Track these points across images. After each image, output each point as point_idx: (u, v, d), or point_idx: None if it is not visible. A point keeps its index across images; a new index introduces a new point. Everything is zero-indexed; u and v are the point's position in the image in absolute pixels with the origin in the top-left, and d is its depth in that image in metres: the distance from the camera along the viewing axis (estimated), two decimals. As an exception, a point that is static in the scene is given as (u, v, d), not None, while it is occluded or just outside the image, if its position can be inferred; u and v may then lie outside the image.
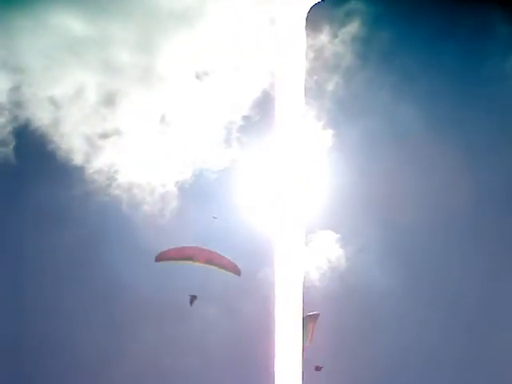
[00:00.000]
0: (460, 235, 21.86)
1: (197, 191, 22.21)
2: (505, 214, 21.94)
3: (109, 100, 22.46)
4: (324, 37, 22.88)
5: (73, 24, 22.04)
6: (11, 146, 21.83)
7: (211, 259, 18.68)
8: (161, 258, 19.20)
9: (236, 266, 19.00)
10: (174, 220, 22.04)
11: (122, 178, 22.51)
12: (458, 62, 22.34)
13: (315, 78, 22.86)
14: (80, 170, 22.21)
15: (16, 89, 21.95)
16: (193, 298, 20.38)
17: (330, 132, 22.63)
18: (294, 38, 17.74)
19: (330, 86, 22.93)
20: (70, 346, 20.60)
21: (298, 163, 18.62)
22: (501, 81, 22.35)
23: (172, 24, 22.32)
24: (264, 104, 22.48)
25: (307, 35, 17.74)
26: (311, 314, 20.31)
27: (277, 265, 16.77)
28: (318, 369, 20.52)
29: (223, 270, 19.17)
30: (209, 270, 19.81)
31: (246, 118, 22.71)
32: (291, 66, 17.58)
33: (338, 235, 22.33)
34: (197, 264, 18.78)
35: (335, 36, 22.92)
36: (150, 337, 20.64)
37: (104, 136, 22.53)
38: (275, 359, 16.91)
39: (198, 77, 22.65)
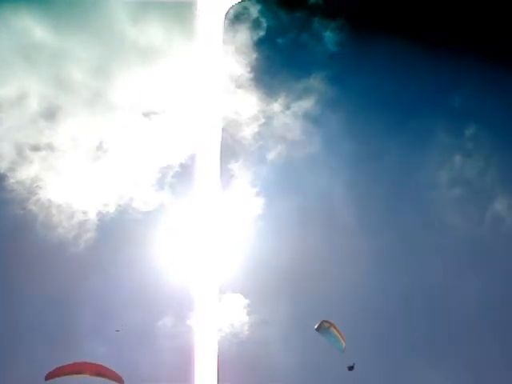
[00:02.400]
0: (372, 319, 22.05)
1: (118, 227, 21.66)
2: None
3: (50, 114, 21.84)
4: (277, 106, 23.24)
5: (34, 29, 21.50)
6: None
7: (98, 371, 18.77)
8: (51, 376, 18.69)
9: (120, 377, 19.10)
10: (87, 251, 21.33)
11: (43, 195, 21.72)
12: (395, 163, 23.13)
13: (260, 143, 23.12)
14: (1, 176, 21.34)
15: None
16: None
17: (261, 200, 22.80)
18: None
19: (272, 155, 23.20)
20: None
21: (220, 224, 18.70)
22: (433, 188, 23.26)
23: (132, 56, 22.13)
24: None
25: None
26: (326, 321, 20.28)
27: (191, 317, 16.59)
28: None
29: (110, 381, 19.19)
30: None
31: (183, 165, 22.54)
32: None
33: (247, 301, 22.19)
34: (86, 376, 18.78)
35: (288, 107, 23.32)
36: None
37: (35, 148, 21.79)
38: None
39: (145, 114, 22.43)
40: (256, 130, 23.09)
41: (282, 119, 23.28)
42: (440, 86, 23.02)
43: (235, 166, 23.17)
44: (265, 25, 22.75)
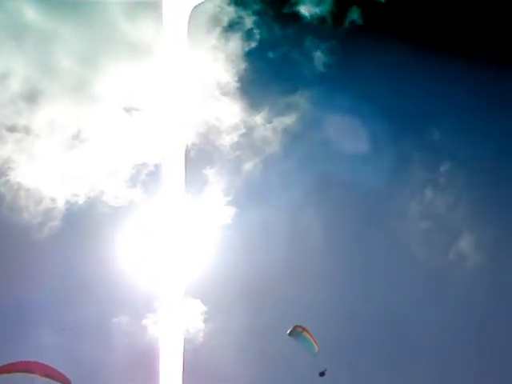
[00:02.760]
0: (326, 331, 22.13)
1: (85, 219, 21.44)
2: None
3: (30, 96, 21.59)
4: (259, 118, 23.32)
5: (27, 10, 21.26)
6: None
7: (46, 373, 18.67)
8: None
9: (67, 378, 19.00)
10: (50, 239, 21.07)
11: (13, 177, 21.43)
12: (368, 190, 23.32)
13: (237, 153, 23.16)
14: (-28, 153, 21.03)
15: None
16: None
17: (232, 209, 22.82)
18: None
19: (248, 166, 23.25)
20: None
21: (186, 229, 18.62)
22: (402, 218, 23.54)
23: (122, 50, 22.02)
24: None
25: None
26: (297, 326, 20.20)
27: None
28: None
29: (56, 381, 19.08)
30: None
31: (158, 165, 22.43)
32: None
33: (206, 308, 22.13)
34: (35, 376, 18.67)
35: (269, 121, 23.41)
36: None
37: (11, 129, 21.51)
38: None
39: (126, 109, 22.31)
40: (235, 139, 23.15)
41: (262, 132, 23.38)
42: (421, 118, 23.36)
43: (210, 172, 23.17)
44: (258, 37, 22.87)
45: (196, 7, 18.41)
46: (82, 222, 21.59)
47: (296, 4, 22.73)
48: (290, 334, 20.35)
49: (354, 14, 22.91)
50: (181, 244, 18.45)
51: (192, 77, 22.29)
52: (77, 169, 21.84)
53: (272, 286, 22.05)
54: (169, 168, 18.12)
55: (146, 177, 22.40)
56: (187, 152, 22.58)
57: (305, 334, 20.28)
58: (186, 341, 21.63)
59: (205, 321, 22.08)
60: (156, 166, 22.28)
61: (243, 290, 22.07)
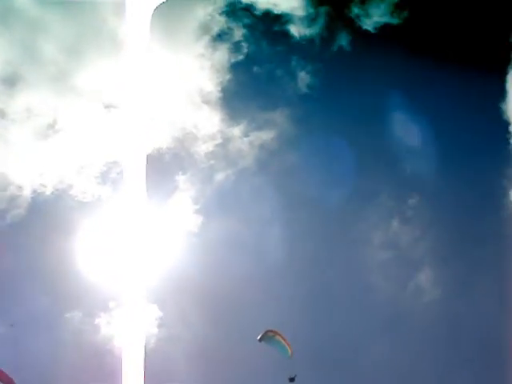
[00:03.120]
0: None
1: (50, 210, 21.16)
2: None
3: (9, 80, 21.29)
4: (237, 130, 23.33)
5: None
6: None
7: None
8: None
9: (9, 377, 18.62)
10: (12, 227, 20.72)
11: (-20, 160, 21.07)
12: (335, 214, 23.50)
13: (211, 162, 23.11)
14: None
15: None
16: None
17: (199, 218, 22.74)
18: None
19: (220, 177, 23.22)
20: None
21: (149, 232, 18.62)
22: (365, 246, 23.71)
23: (108, 45, 21.87)
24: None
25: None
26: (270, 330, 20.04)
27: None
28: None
29: None
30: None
31: (127, 165, 22.25)
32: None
33: (161, 313, 21.97)
34: None
35: (246, 135, 23.45)
36: None
37: (-14, 111, 21.18)
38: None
39: (105, 105, 22.13)
40: (211, 148, 23.12)
41: (238, 144, 23.39)
42: (396, 151, 23.62)
43: (181, 178, 23.09)
44: (245, 50, 22.94)
45: (164, 8, 18.42)
46: (46, 213, 21.29)
47: (286, 23, 22.89)
48: (260, 339, 20.29)
49: (343, 40, 23.18)
50: (142, 247, 18.39)
51: (174, 81, 22.32)
52: (48, 159, 21.57)
53: (231, 298, 22.05)
54: (131, 169, 18.05)
55: (117, 175, 22.21)
56: (161, 155, 22.60)
57: (277, 337, 20.26)
58: (137, 345, 21.52)
59: (159, 326, 21.94)
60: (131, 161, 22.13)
61: (202, 299, 22.01)
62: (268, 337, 20.26)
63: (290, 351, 20.29)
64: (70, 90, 21.70)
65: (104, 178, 22.08)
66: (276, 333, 20.26)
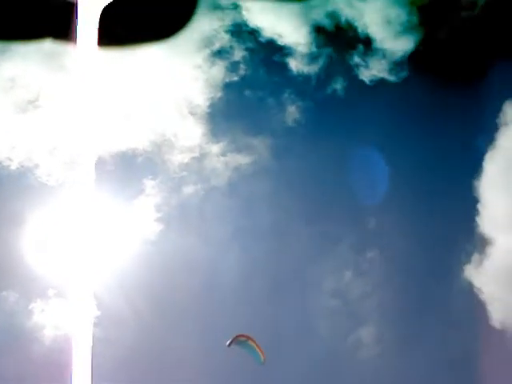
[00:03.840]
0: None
1: (10, 186, 20.76)
2: None
3: None
4: (215, 148, 23.26)
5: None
6: None
7: None
8: None
9: None
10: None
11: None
12: (291, 257, 23.47)
13: (183, 174, 22.98)
14: None
15: None
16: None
17: (158, 227, 22.51)
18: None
19: (188, 190, 23.08)
20: None
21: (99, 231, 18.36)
22: (314, 291, 23.69)
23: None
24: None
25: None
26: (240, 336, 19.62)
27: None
28: None
29: None
30: None
31: (102, 159, 22.04)
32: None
33: (99, 313, 21.58)
34: None
35: (224, 154, 23.38)
36: None
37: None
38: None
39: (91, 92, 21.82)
40: (186, 160, 22.97)
41: (213, 162, 23.28)
42: (361, 204, 23.74)
43: (150, 183, 22.84)
44: (241, 72, 22.97)
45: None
46: (6, 188, 20.90)
47: (287, 55, 23.03)
48: (230, 344, 20.00)
49: (338, 85, 23.36)
50: (93, 243, 18.08)
51: (166, 85, 22.23)
52: (20, 134, 21.21)
53: (173, 309, 21.82)
54: (93, 164, 17.74)
55: (86, 166, 21.85)
56: (134, 156, 22.37)
57: (250, 342, 20.02)
58: (67, 341, 21.11)
59: (94, 325, 21.49)
60: (100, 158, 21.92)
61: (143, 305, 21.70)
62: (240, 341, 20.00)
63: (262, 357, 20.04)
64: (59, 69, 21.42)
65: (73, 165, 21.76)
66: (249, 338, 20.01)
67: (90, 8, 16.41)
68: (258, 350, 20.13)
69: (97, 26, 16.87)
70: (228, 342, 20.08)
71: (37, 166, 21.39)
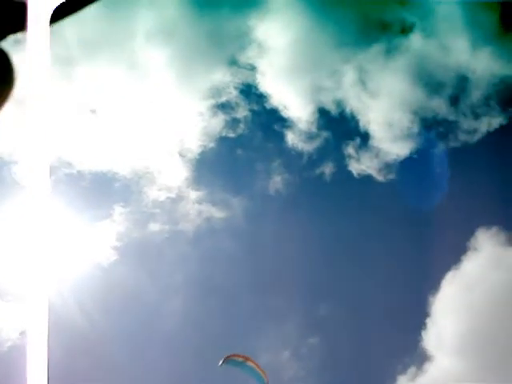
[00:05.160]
0: None
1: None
2: None
3: None
4: (194, 193, 23.28)
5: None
6: None
7: None
8: None
9: None
10: None
11: None
12: (245, 315, 23.30)
13: (156, 210, 22.85)
14: None
15: None
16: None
17: (114, 256, 22.15)
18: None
19: (155, 228, 22.88)
20: None
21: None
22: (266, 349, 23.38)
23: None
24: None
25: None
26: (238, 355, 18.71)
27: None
28: None
29: None
30: None
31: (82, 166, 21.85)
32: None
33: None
34: None
35: (200, 202, 23.37)
36: None
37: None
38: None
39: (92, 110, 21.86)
40: (161, 198, 22.88)
41: (187, 208, 23.22)
42: (314, 291, 23.77)
43: (118, 210, 22.60)
44: (239, 130, 23.31)
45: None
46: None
47: (287, 128, 23.52)
48: (222, 363, 19.18)
49: (327, 169, 23.80)
50: (45, 255, 17.65)
51: (164, 120, 22.31)
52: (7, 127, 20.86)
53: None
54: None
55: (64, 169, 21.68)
56: (112, 178, 22.15)
57: (249, 363, 19.21)
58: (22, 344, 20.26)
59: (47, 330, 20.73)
60: (78, 170, 21.71)
61: (92, 312, 21.07)
62: (237, 362, 19.20)
63: (265, 378, 19.21)
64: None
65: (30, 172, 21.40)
66: (247, 358, 19.23)
67: (41, 8, 16.55)
68: (259, 370, 19.29)
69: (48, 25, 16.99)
70: (220, 362, 19.21)
71: (14, 162, 21.05)
